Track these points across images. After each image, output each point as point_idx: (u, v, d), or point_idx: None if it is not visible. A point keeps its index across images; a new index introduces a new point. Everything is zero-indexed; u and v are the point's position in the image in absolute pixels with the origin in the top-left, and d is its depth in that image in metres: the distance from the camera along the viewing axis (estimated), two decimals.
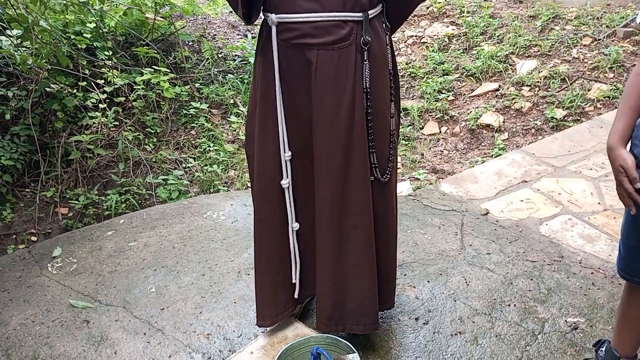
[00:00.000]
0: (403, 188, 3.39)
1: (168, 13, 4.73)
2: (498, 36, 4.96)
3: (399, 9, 1.72)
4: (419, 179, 3.61)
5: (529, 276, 2.29)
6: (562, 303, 2.13)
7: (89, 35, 4.08)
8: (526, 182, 3.07)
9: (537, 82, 4.32)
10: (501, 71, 4.54)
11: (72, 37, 3.99)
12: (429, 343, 1.96)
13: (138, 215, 3.01)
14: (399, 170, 3.77)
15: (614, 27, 4.66)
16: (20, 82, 3.85)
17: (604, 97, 3.98)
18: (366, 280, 1.78)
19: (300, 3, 1.54)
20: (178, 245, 2.67)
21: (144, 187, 3.79)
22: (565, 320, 2.03)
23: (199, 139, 4.27)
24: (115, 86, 4.08)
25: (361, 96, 1.60)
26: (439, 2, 5.59)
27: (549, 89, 4.23)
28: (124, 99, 4.16)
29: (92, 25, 4.17)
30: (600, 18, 4.88)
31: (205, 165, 4.02)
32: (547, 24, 4.98)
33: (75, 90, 3.94)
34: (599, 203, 2.82)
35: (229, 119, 4.46)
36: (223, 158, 4.06)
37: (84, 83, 3.97)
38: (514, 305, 2.12)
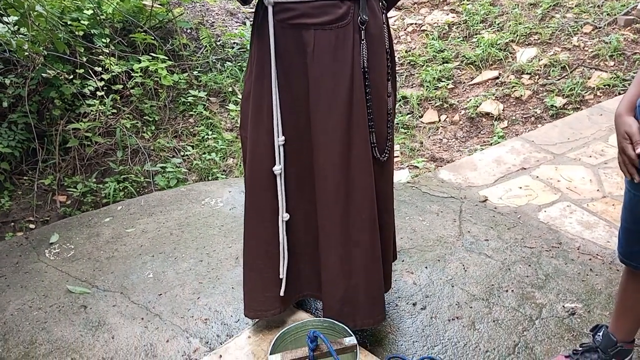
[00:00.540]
0: (402, 176, 3.37)
1: (166, 0, 4.69)
2: (498, 24, 4.93)
3: None
4: (417, 167, 3.60)
5: (527, 262, 2.28)
6: (560, 289, 2.12)
7: (86, 22, 4.05)
8: (525, 169, 3.06)
9: (537, 70, 4.30)
10: (501, 59, 4.51)
11: (69, 23, 3.96)
12: (427, 328, 1.95)
13: (136, 202, 3.01)
14: (397, 159, 3.76)
15: (615, 14, 4.63)
16: (17, 70, 3.82)
17: (604, 85, 3.95)
18: (378, 270, 1.72)
19: None
20: (176, 231, 2.67)
21: (142, 175, 3.78)
22: (563, 306, 2.03)
23: (197, 127, 4.25)
24: (113, 73, 4.05)
25: (360, 76, 1.57)
26: None
27: (549, 77, 4.21)
28: (121, 86, 4.14)
29: (90, 11, 4.14)
30: (601, 6, 4.84)
31: (204, 153, 4.01)
32: (548, 11, 4.94)
33: (72, 78, 3.92)
34: (597, 190, 2.81)
35: (227, 107, 4.44)
36: (221, 146, 4.05)
37: (82, 70, 3.94)
38: (512, 290, 2.12)
